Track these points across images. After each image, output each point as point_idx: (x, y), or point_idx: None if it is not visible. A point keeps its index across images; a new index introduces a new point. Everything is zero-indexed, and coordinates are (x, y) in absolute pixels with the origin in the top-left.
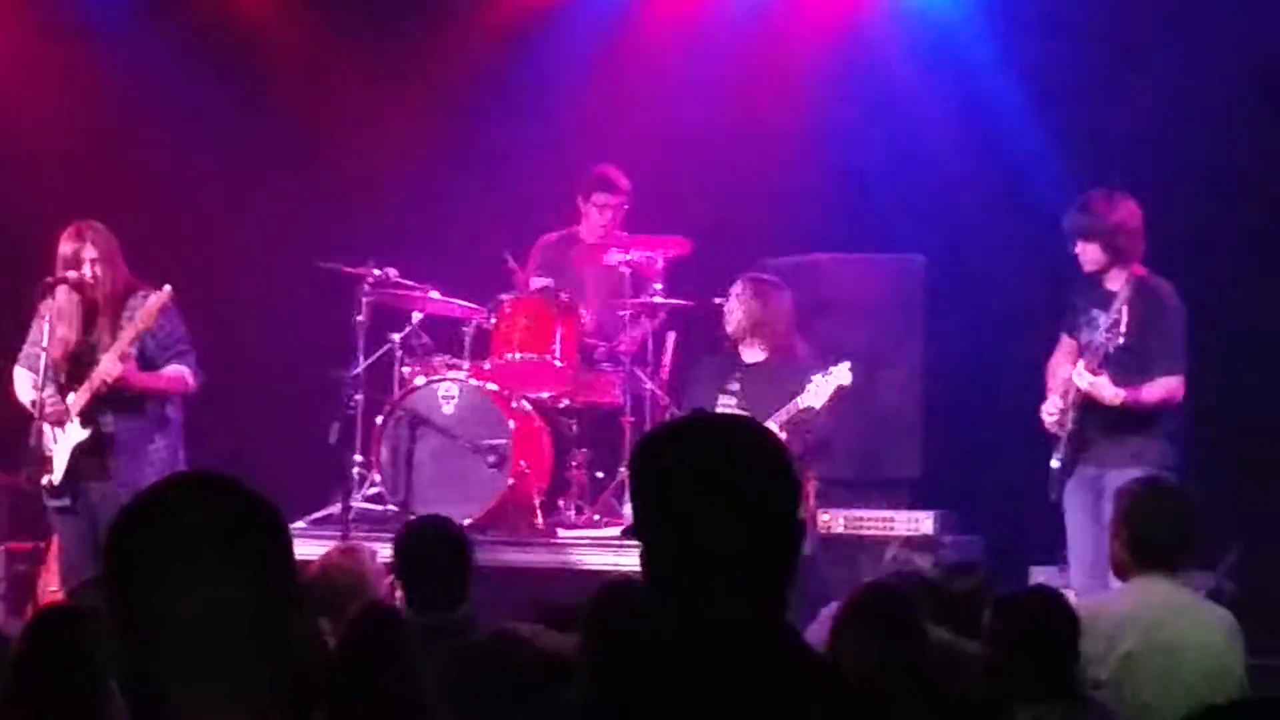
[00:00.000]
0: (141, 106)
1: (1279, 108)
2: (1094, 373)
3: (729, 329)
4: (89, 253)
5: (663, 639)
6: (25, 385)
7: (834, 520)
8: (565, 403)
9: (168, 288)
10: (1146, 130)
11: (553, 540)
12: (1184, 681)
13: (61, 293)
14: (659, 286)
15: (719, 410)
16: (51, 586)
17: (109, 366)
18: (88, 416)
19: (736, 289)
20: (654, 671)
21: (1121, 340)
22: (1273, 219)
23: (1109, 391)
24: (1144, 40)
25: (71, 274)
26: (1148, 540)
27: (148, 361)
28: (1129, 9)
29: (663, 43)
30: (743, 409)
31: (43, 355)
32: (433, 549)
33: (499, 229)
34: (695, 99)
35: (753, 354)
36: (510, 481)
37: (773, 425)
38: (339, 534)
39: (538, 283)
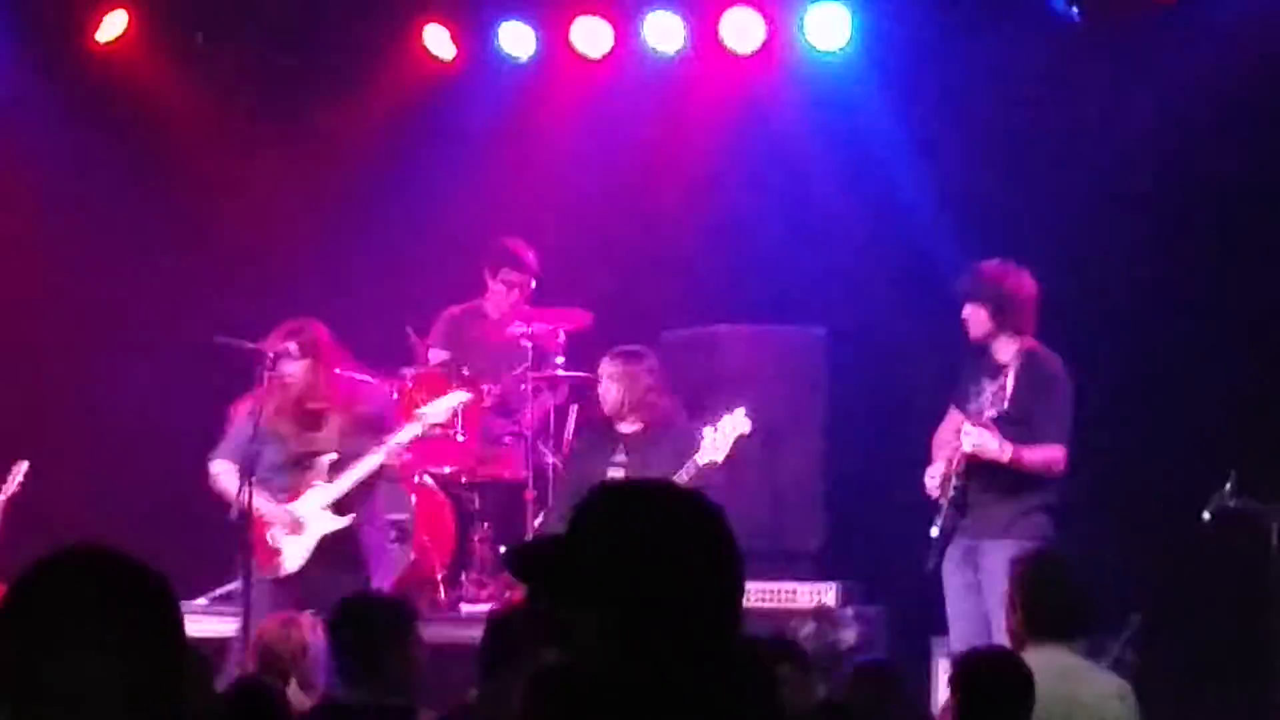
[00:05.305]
0: (32, 174)
1: (1186, 172)
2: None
3: (607, 409)
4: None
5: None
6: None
7: None
8: (467, 478)
9: None
10: (1048, 206)
11: (456, 616)
12: None
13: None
14: (560, 360)
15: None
16: None
17: None
18: None
19: (606, 369)
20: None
21: (1006, 406)
22: (1165, 290)
23: (994, 443)
24: (1043, 113)
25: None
26: (1040, 612)
27: None
28: (1026, 81)
29: (561, 116)
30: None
31: None
32: (368, 626)
33: (400, 302)
34: (594, 171)
35: (628, 425)
36: (412, 556)
37: None
38: (241, 610)
39: (437, 356)
